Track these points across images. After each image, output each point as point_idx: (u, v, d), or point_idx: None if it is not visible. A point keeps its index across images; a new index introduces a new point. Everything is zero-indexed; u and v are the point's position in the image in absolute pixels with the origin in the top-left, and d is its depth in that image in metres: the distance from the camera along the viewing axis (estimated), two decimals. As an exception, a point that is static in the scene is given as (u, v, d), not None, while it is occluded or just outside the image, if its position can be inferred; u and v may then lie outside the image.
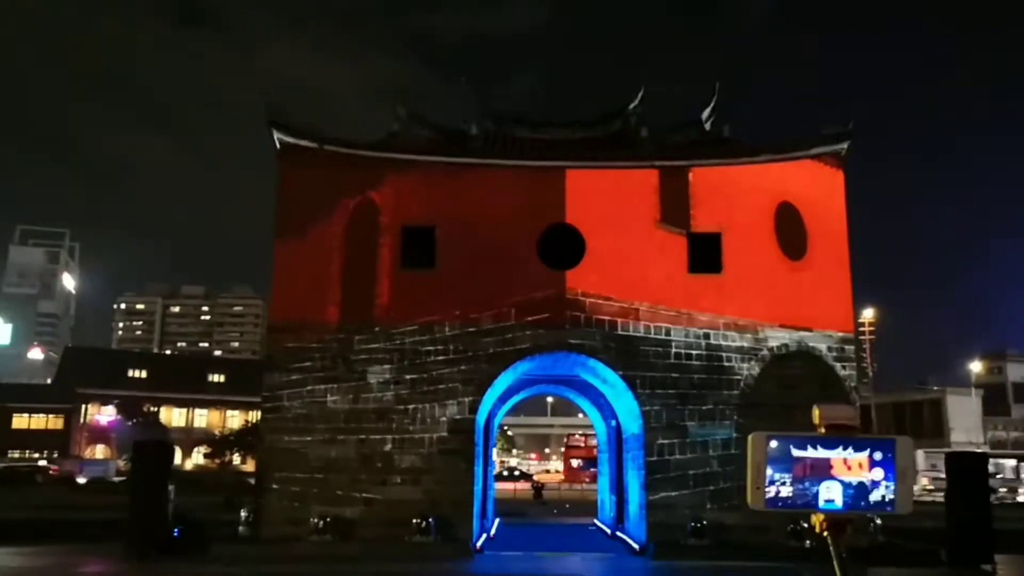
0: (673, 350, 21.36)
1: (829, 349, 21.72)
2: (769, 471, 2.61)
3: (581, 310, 21.22)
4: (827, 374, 21.38)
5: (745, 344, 21.51)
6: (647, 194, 21.89)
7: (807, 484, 2.59)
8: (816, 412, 2.72)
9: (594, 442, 47.80)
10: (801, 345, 21.61)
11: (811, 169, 22.69)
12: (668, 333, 21.41)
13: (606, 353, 21.13)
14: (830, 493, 2.60)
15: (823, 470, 2.60)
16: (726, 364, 21.39)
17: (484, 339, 21.18)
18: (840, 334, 21.92)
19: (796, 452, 2.61)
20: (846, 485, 2.59)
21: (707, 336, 21.45)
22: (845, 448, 2.61)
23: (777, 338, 21.62)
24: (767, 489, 2.63)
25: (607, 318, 21.27)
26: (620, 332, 21.25)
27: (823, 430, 2.67)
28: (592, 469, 51.43)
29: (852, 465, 2.60)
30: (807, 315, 21.84)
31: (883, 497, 2.61)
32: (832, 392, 20.67)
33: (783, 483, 2.61)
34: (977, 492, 17.06)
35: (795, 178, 22.53)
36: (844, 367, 21.64)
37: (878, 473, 2.61)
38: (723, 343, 21.45)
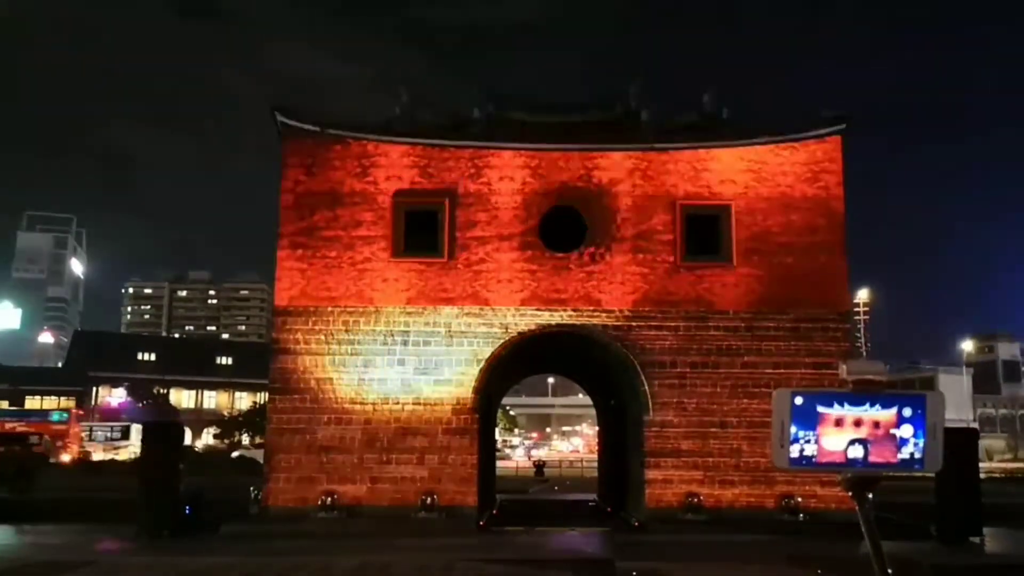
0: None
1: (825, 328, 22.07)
2: (793, 429, 2.47)
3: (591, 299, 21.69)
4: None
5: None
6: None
7: (833, 442, 2.46)
8: (843, 368, 2.53)
9: None
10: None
11: (807, 152, 22.87)
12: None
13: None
14: (857, 451, 2.42)
15: (850, 427, 2.48)
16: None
17: (487, 320, 21.59)
18: (832, 313, 22.24)
19: (822, 409, 2.50)
20: (873, 442, 2.47)
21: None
22: (873, 404, 2.47)
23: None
24: (791, 447, 2.48)
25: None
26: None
27: (850, 386, 2.50)
28: None
29: (880, 421, 2.47)
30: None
31: (911, 455, 2.43)
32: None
33: (808, 441, 2.46)
34: (966, 467, 17.39)
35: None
36: (839, 345, 21.96)
37: (907, 430, 2.45)
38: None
